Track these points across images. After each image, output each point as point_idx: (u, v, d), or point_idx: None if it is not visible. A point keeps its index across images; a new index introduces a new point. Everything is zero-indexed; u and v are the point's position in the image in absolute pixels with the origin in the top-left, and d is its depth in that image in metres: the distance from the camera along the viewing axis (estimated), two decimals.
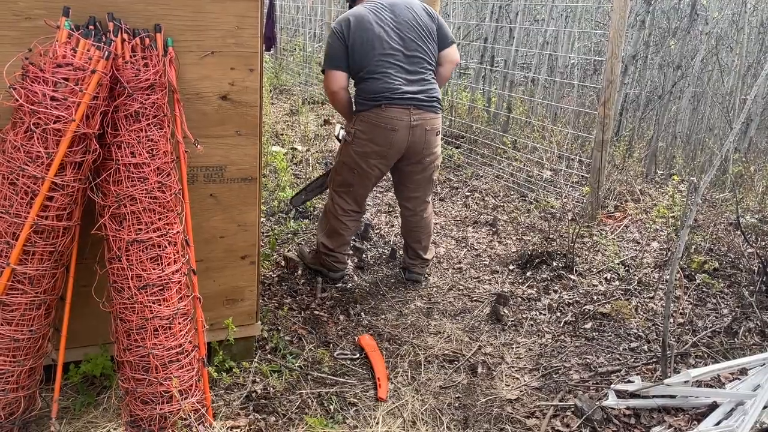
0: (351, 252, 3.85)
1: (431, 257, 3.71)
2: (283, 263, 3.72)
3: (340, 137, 3.55)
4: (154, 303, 2.04)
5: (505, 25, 6.37)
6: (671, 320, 3.14)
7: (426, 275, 3.73)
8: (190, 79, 2.26)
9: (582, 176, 5.25)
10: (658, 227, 4.36)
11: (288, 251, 3.85)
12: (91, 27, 2.03)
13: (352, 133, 3.30)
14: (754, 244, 3.76)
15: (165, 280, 2.06)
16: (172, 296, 2.08)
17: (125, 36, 2.06)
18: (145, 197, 2.04)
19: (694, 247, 3.85)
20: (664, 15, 6.08)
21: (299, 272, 3.63)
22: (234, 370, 2.60)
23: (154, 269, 2.05)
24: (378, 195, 5.07)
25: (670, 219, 4.25)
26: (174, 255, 2.10)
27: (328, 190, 3.63)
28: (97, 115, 1.99)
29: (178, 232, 2.13)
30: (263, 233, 4.07)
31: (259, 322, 2.73)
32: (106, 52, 1.97)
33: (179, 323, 2.10)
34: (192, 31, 2.22)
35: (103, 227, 2.06)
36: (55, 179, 1.93)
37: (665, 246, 4.04)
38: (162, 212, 2.08)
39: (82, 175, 2.02)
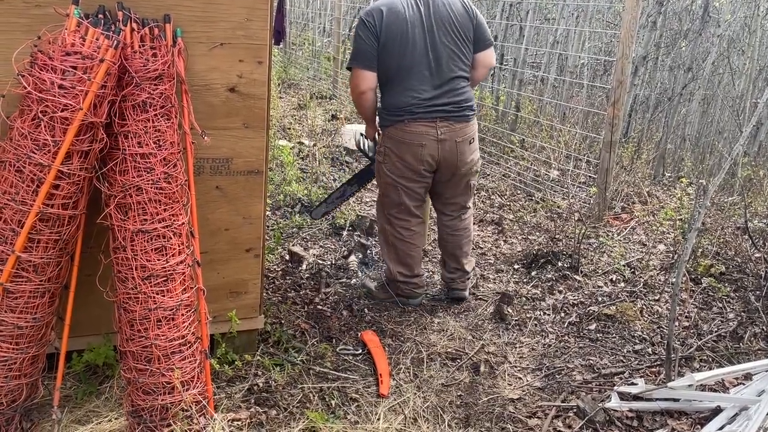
0: (424, 272, 3.49)
1: (472, 269, 3.42)
2: (287, 257, 3.72)
3: (362, 145, 3.30)
4: (157, 294, 2.04)
5: (516, 24, 6.35)
6: (676, 323, 3.12)
7: (471, 292, 3.44)
8: (199, 70, 2.25)
9: (589, 177, 5.23)
10: (665, 229, 4.33)
11: (293, 245, 3.85)
12: (100, 16, 2.02)
13: (382, 151, 3.09)
14: (761, 249, 3.74)
15: (169, 271, 2.06)
16: (176, 287, 2.08)
17: (134, 25, 2.05)
18: (151, 188, 2.04)
19: (701, 250, 3.83)
20: (676, 16, 6.04)
21: (303, 266, 3.63)
22: (236, 362, 2.60)
23: (158, 260, 2.05)
24: None
25: (678, 221, 4.22)
26: (179, 246, 2.10)
27: (377, 212, 3.33)
28: (105, 105, 1.99)
29: (183, 223, 2.13)
30: (268, 227, 4.06)
31: (263, 316, 2.73)
32: (115, 41, 1.96)
33: (182, 314, 2.09)
34: (201, 22, 2.21)
35: (108, 217, 2.06)
36: (61, 167, 1.93)
37: (672, 249, 4.02)
38: (167, 203, 2.08)
39: (89, 164, 2.01)
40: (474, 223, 4.56)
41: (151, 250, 2.04)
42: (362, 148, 3.34)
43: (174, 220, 2.09)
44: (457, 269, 3.36)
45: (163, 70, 2.06)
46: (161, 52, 2.07)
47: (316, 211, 3.80)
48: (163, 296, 2.05)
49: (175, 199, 2.10)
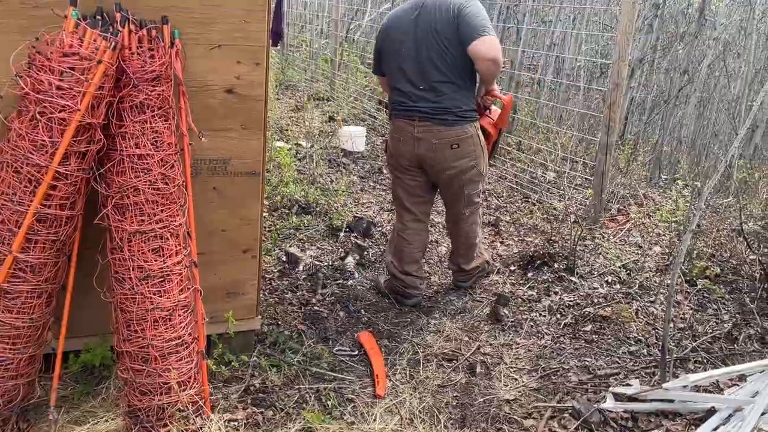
0: (425, 275, 3.62)
1: (471, 268, 3.53)
2: (284, 258, 3.72)
3: None
4: (154, 294, 2.05)
5: (513, 26, 6.36)
6: (671, 325, 3.13)
7: (471, 285, 3.59)
8: (196, 71, 2.26)
9: (586, 179, 5.24)
10: (660, 231, 4.35)
11: (290, 246, 3.85)
12: (98, 17, 2.03)
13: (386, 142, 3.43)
14: (756, 251, 3.75)
15: (166, 271, 2.07)
16: (172, 288, 2.08)
17: (132, 27, 2.06)
18: (149, 188, 2.04)
19: (696, 252, 3.84)
20: (673, 19, 6.06)
21: (300, 268, 3.63)
22: (233, 363, 2.61)
23: (155, 261, 2.05)
24: (381, 192, 5.07)
25: (673, 224, 4.24)
26: (176, 247, 2.10)
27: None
28: (103, 106, 1.99)
29: (180, 224, 2.13)
30: (265, 228, 4.07)
31: (259, 317, 2.74)
32: (113, 43, 1.97)
33: (179, 315, 2.10)
34: (199, 23, 2.22)
35: (105, 217, 2.06)
36: (58, 168, 1.93)
37: (667, 250, 4.03)
38: (165, 204, 2.08)
39: (86, 165, 2.02)
40: None
41: (149, 250, 2.05)
42: None
43: (171, 221, 2.09)
44: (455, 264, 3.56)
45: (161, 71, 2.07)
46: (159, 54, 2.08)
47: None
48: (160, 297, 2.05)
49: (172, 200, 2.10)
